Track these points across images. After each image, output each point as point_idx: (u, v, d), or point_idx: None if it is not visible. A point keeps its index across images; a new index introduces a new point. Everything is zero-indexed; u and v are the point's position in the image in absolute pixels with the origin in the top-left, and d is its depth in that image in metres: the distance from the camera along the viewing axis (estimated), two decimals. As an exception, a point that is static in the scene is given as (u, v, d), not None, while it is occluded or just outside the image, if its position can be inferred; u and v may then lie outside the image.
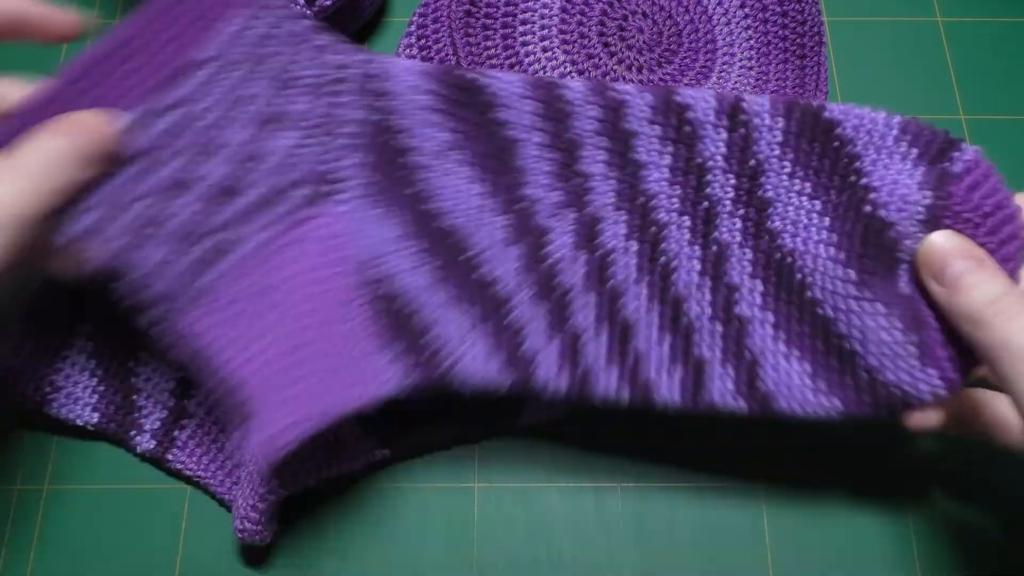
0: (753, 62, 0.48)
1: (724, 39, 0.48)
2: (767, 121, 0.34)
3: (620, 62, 0.46)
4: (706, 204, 0.35)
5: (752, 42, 0.48)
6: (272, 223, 0.35)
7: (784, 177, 0.34)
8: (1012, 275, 0.32)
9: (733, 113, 0.34)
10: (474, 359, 0.35)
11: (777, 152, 0.34)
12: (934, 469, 0.41)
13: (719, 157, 0.35)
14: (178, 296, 0.34)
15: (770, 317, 0.35)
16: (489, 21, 0.46)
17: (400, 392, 0.35)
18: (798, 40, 0.48)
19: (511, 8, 0.47)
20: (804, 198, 0.34)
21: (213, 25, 0.34)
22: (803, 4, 0.47)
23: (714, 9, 0.48)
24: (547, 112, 0.35)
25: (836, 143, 0.34)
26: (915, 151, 0.33)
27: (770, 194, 0.35)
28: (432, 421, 0.41)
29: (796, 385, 0.34)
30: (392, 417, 0.40)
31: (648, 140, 0.35)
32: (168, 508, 0.41)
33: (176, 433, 0.40)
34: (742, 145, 0.35)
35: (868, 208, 0.33)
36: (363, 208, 0.36)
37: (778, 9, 0.48)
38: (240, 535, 0.37)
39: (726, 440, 0.41)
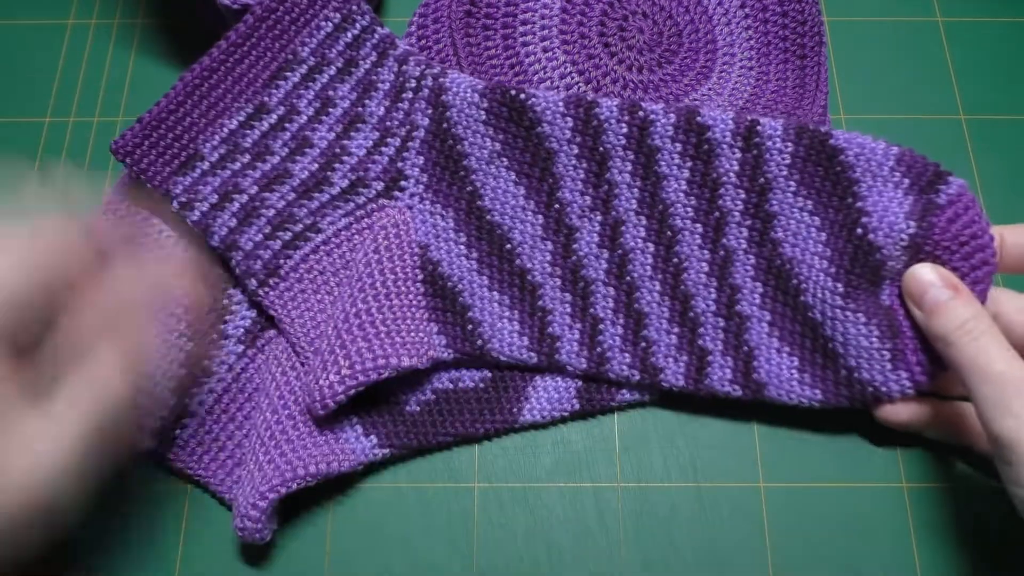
0: (753, 62, 0.48)
1: (724, 39, 0.48)
2: (778, 144, 0.39)
3: (620, 62, 0.46)
4: (717, 214, 0.40)
5: (752, 42, 0.48)
6: (349, 213, 0.42)
7: (789, 195, 0.39)
8: (981, 296, 0.37)
9: (748, 135, 0.39)
10: (506, 337, 0.41)
11: (785, 172, 0.39)
12: (935, 468, 0.41)
13: (732, 173, 0.40)
14: (267, 273, 0.41)
15: (767, 316, 0.40)
16: (489, 21, 0.46)
17: (443, 359, 0.41)
18: (798, 40, 0.48)
19: (511, 8, 0.47)
20: (805, 214, 0.39)
21: (309, 24, 0.42)
22: (803, 4, 0.47)
23: (714, 9, 0.48)
24: (582, 127, 0.40)
25: (838, 168, 0.38)
26: (907, 181, 0.38)
27: (775, 208, 0.39)
28: (432, 421, 0.41)
29: (785, 377, 0.40)
30: (392, 417, 0.40)
31: (670, 155, 0.40)
32: (168, 508, 0.41)
33: (177, 432, 0.40)
34: (754, 164, 0.39)
35: (860, 231, 0.38)
36: (424, 202, 0.42)
37: (778, 9, 0.48)
38: (240, 534, 0.37)
39: (726, 440, 0.41)
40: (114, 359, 0.31)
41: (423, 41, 0.46)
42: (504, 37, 0.46)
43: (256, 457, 0.39)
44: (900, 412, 0.39)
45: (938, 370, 0.38)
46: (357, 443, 0.40)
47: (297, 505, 0.40)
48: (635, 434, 0.42)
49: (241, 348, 0.42)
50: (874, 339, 0.38)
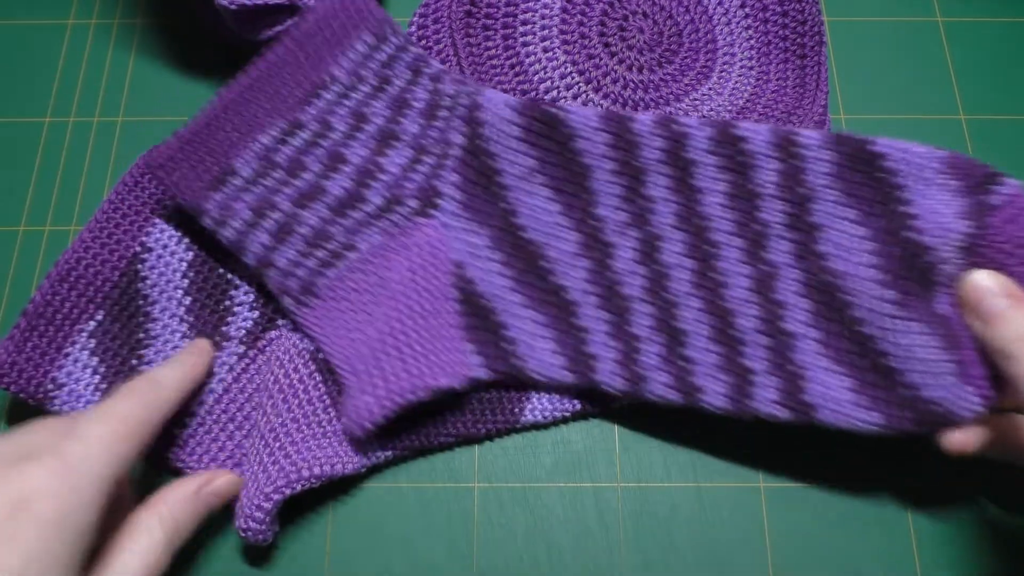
0: (753, 62, 0.48)
1: (724, 39, 0.48)
2: (818, 153, 0.37)
3: (621, 62, 0.46)
4: (757, 227, 0.38)
5: (752, 42, 0.48)
6: (384, 230, 0.41)
7: (832, 204, 0.37)
8: None
9: (786, 145, 0.38)
10: (542, 356, 0.40)
11: (826, 181, 0.37)
12: (935, 467, 0.41)
13: (771, 185, 0.38)
14: (303, 292, 0.41)
15: (815, 333, 0.38)
16: (489, 22, 0.46)
17: (480, 379, 0.40)
18: (798, 40, 0.48)
19: (511, 9, 0.47)
20: (850, 223, 0.37)
21: (346, 44, 0.42)
22: (803, 4, 0.47)
23: (714, 9, 0.48)
24: (618, 142, 0.39)
25: (882, 174, 0.36)
26: (956, 183, 0.35)
27: (818, 219, 0.38)
28: (433, 421, 0.41)
29: (839, 399, 0.37)
30: (395, 419, 0.40)
31: (706, 168, 0.39)
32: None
33: (177, 431, 0.40)
34: (793, 174, 0.38)
35: (909, 234, 0.36)
36: (459, 219, 0.41)
37: (778, 9, 0.48)
38: (244, 534, 0.37)
39: (726, 440, 0.41)
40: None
41: (423, 41, 0.46)
42: (504, 37, 0.46)
43: (260, 458, 0.38)
44: (970, 440, 0.35)
45: (1004, 384, 0.35)
46: (361, 446, 0.40)
47: (297, 505, 0.40)
48: (635, 434, 0.42)
49: (242, 349, 0.42)
50: (935, 350, 0.35)
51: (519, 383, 0.41)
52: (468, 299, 0.41)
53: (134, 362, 0.41)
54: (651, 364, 0.39)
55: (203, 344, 0.41)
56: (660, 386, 0.39)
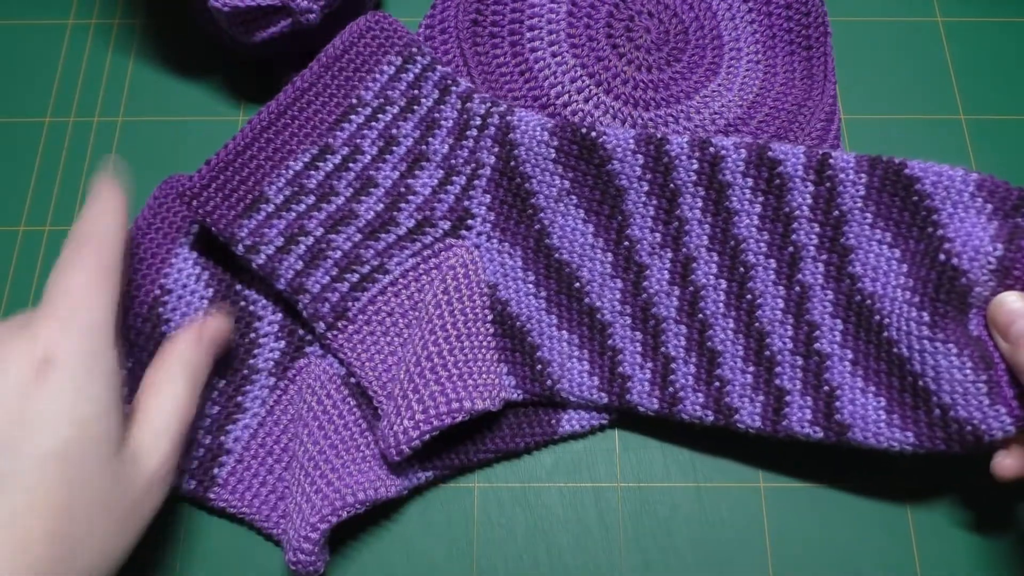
0: (760, 55, 0.48)
1: (730, 34, 0.48)
2: (852, 176, 0.38)
3: (630, 62, 0.46)
4: (791, 249, 0.39)
5: (758, 36, 0.48)
6: (417, 253, 0.42)
7: (866, 227, 0.38)
8: None
9: (821, 168, 0.38)
10: (576, 377, 0.40)
11: (860, 204, 0.38)
12: (935, 468, 0.41)
13: (805, 208, 0.39)
14: (335, 316, 0.40)
15: (849, 354, 0.38)
16: (496, 29, 0.46)
17: (514, 400, 0.40)
18: (803, 32, 0.48)
19: (517, 15, 0.47)
20: (884, 246, 0.38)
21: (374, 68, 0.42)
22: (806, -5, 0.48)
23: (718, 5, 0.48)
24: (653, 165, 0.40)
25: (915, 197, 0.37)
26: (990, 206, 0.36)
27: (852, 242, 0.38)
28: (471, 439, 0.41)
29: (872, 418, 0.37)
30: (433, 439, 0.39)
31: (741, 190, 0.39)
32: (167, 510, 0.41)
33: (216, 471, 0.40)
34: (827, 197, 0.38)
35: (943, 257, 0.36)
36: (492, 240, 0.42)
37: (782, 2, 0.48)
38: (294, 567, 0.36)
39: (726, 440, 0.41)
40: None
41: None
42: (512, 44, 0.46)
43: (302, 488, 0.38)
44: (1015, 465, 0.35)
45: None
46: (401, 467, 0.40)
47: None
48: (635, 434, 0.42)
49: (272, 381, 0.41)
50: (968, 371, 0.35)
51: (553, 402, 0.41)
52: (502, 320, 0.41)
53: None
54: (685, 384, 0.39)
55: (104, 182, 0.37)
56: (695, 406, 0.39)
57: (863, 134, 0.49)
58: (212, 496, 0.40)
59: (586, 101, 0.45)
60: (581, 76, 0.45)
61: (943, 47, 0.51)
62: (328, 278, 0.41)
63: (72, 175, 0.48)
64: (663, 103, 0.45)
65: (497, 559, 0.40)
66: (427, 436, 0.37)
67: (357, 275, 0.41)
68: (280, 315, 0.42)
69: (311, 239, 0.41)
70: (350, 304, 0.41)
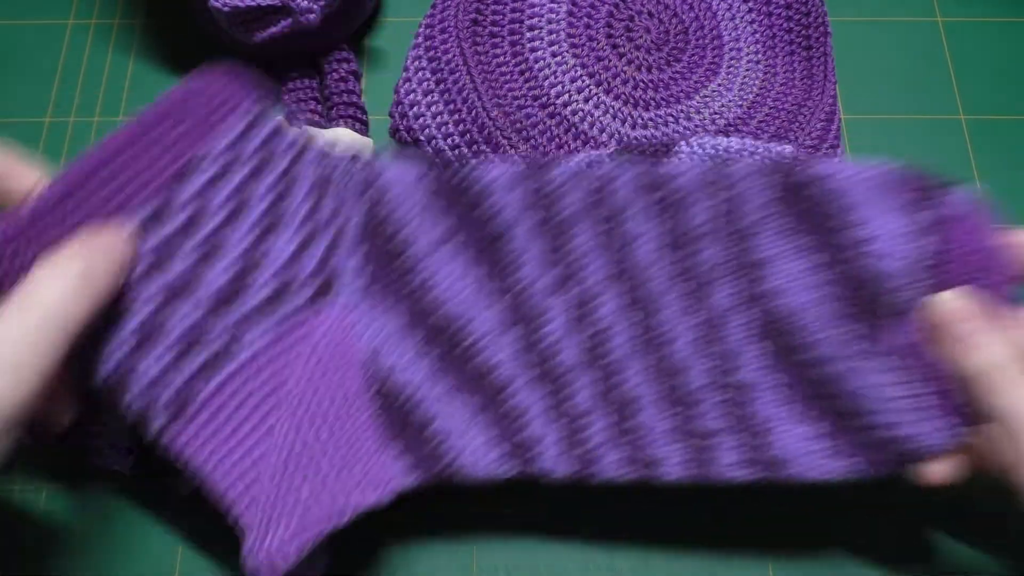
0: (760, 55, 0.48)
1: (730, 34, 0.48)
2: (752, 183, 0.34)
3: (630, 63, 0.46)
4: (698, 271, 0.35)
5: (758, 36, 0.48)
6: (276, 325, 0.35)
7: (777, 237, 0.34)
8: (1008, 308, 0.33)
9: (717, 180, 0.35)
10: (475, 451, 0.35)
11: (766, 212, 0.34)
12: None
13: (707, 224, 0.35)
14: (177, 405, 0.33)
15: (774, 380, 0.35)
16: (496, 29, 0.46)
17: (409, 487, 0.35)
18: (803, 32, 0.48)
19: (517, 15, 0.47)
20: (801, 256, 0.34)
21: (223, 121, 0.35)
22: (806, -5, 0.48)
23: (718, 5, 0.48)
24: (535, 198, 0.36)
25: (829, 197, 0.34)
26: (907, 198, 0.33)
27: (764, 254, 0.34)
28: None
29: (808, 449, 0.34)
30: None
31: (635, 213, 0.35)
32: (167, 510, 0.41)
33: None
34: (730, 209, 0.34)
35: (865, 260, 0.33)
36: (365, 304, 0.36)
37: (782, 2, 0.48)
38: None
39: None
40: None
41: (431, 52, 0.46)
42: (512, 44, 0.46)
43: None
44: (947, 470, 0.33)
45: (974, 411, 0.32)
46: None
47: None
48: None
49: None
50: (905, 383, 0.32)
51: (453, 484, 0.36)
52: (386, 391, 0.35)
53: None
54: (600, 441, 0.35)
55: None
56: (613, 464, 0.35)
57: (863, 134, 0.49)
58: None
59: (586, 101, 0.45)
60: (581, 76, 0.45)
61: (943, 47, 0.51)
62: (167, 359, 0.33)
63: (72, 175, 0.48)
64: (663, 103, 0.45)
65: (497, 560, 0.40)
66: (307, 548, 0.32)
67: (203, 355, 0.34)
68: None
69: (145, 312, 0.33)
70: (195, 389, 0.33)
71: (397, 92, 0.46)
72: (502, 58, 0.46)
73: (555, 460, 0.35)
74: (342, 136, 0.46)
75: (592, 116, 0.45)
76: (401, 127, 0.46)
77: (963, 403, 0.32)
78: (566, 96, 0.45)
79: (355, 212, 0.36)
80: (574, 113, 0.45)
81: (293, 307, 0.35)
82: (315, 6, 0.43)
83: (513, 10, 0.47)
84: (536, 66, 0.46)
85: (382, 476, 0.34)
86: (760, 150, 0.38)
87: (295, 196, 0.36)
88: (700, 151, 0.38)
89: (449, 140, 0.45)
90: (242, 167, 0.36)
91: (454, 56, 0.45)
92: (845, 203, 0.33)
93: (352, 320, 0.36)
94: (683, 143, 0.39)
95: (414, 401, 0.35)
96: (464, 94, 0.44)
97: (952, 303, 0.32)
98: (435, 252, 0.36)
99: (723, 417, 0.35)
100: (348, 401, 0.35)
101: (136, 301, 0.33)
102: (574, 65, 0.46)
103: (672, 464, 0.35)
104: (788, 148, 0.38)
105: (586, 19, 0.47)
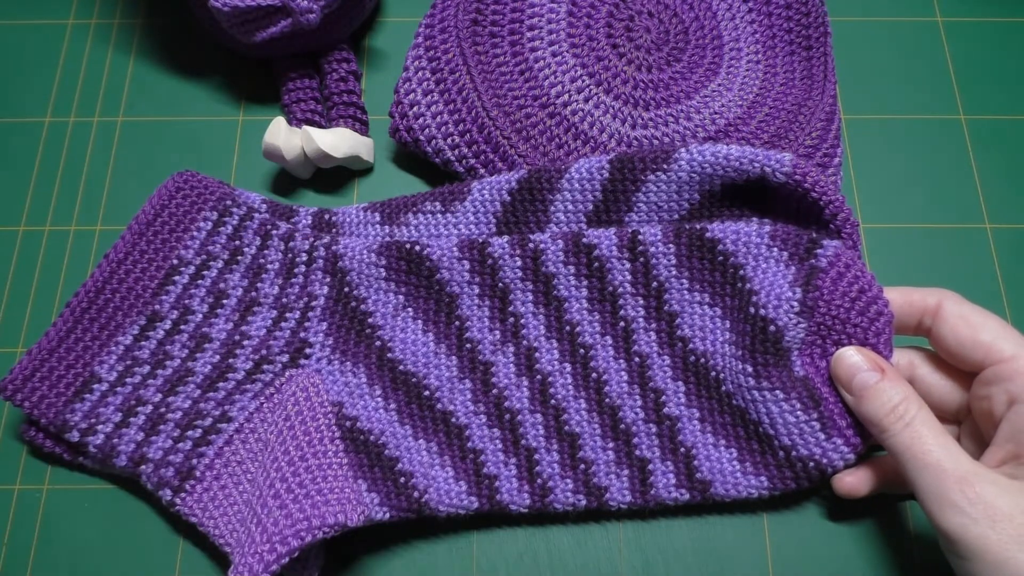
0: (760, 56, 0.48)
1: (730, 34, 0.48)
2: (661, 248, 0.40)
3: (630, 62, 0.46)
4: (623, 324, 0.41)
5: (758, 36, 0.48)
6: (258, 393, 0.41)
7: (684, 292, 0.40)
8: (887, 348, 0.38)
9: (632, 246, 0.41)
10: (441, 486, 0.39)
11: (675, 272, 0.40)
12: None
13: (627, 284, 0.41)
14: (181, 477, 0.39)
15: (696, 413, 0.40)
16: (496, 28, 0.46)
17: (380, 519, 0.38)
18: (803, 32, 0.48)
19: (517, 15, 0.46)
20: (704, 307, 0.40)
21: (191, 226, 0.43)
22: (806, -5, 0.48)
23: (718, 5, 0.48)
24: (479, 268, 0.41)
25: (721, 257, 0.40)
26: (785, 254, 0.38)
27: (676, 307, 0.41)
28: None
29: (728, 471, 0.39)
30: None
31: (566, 278, 0.41)
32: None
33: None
34: (644, 271, 0.41)
35: (753, 309, 0.38)
36: (332, 363, 0.41)
37: (782, 2, 0.48)
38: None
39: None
40: None
41: (431, 52, 0.46)
42: (512, 44, 0.46)
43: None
44: (855, 483, 0.38)
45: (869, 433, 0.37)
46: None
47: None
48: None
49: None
50: (799, 413, 0.37)
51: (428, 520, 0.40)
52: (353, 437, 0.39)
53: None
54: (552, 473, 0.40)
55: None
56: (565, 493, 0.40)
57: (863, 134, 0.49)
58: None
59: (586, 101, 0.45)
60: (581, 76, 0.45)
61: (943, 47, 0.51)
62: (170, 441, 0.40)
63: (72, 175, 0.48)
64: (663, 103, 0.45)
65: (497, 559, 0.40)
66: (284, 559, 0.35)
67: (200, 430, 0.40)
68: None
69: (149, 407, 0.40)
70: (196, 462, 0.40)
71: (397, 92, 0.46)
72: (502, 58, 0.46)
73: (514, 493, 0.40)
74: (342, 136, 0.46)
75: (592, 116, 0.45)
76: (401, 127, 0.46)
77: (851, 424, 0.37)
78: (566, 96, 0.45)
79: (321, 289, 0.42)
80: (574, 113, 0.45)
81: (270, 375, 0.41)
82: (315, 6, 0.43)
83: (513, 10, 0.47)
84: (536, 66, 0.46)
85: (349, 502, 0.37)
86: (759, 158, 0.39)
87: (265, 281, 0.42)
88: (699, 158, 0.40)
89: (449, 140, 0.45)
90: (216, 261, 0.42)
91: (454, 56, 0.45)
92: (734, 263, 0.39)
93: (320, 378, 0.41)
94: (683, 150, 0.40)
95: (380, 444, 0.40)
96: (464, 94, 0.44)
97: (852, 357, 0.37)
98: (394, 319, 0.42)
99: (656, 446, 0.40)
100: (315, 442, 0.38)
101: (143, 399, 0.40)
102: (574, 65, 0.46)
103: (617, 490, 0.40)
104: (787, 156, 0.38)
105: (586, 19, 0.47)
